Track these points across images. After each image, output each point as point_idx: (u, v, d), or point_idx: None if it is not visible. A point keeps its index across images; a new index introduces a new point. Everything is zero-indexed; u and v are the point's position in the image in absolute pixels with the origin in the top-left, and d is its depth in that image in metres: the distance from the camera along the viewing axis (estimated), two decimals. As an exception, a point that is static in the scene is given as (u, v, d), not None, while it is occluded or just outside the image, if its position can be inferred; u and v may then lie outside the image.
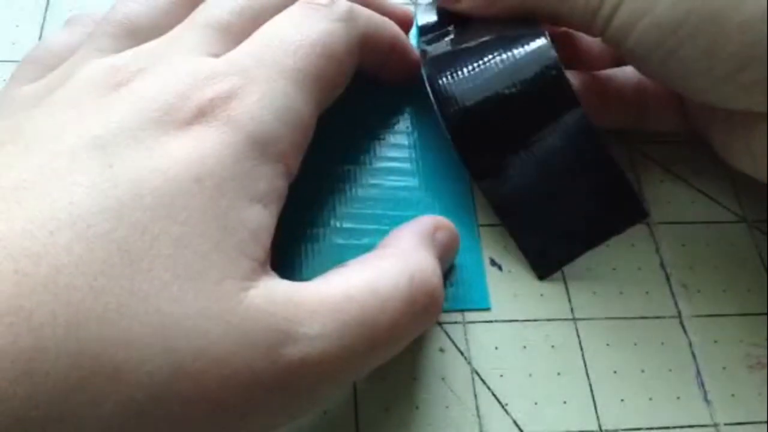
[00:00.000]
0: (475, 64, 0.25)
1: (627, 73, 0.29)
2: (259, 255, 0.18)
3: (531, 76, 0.24)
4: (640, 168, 0.29)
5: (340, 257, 0.25)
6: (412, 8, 0.30)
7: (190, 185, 0.17)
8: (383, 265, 0.20)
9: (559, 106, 0.25)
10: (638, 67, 0.26)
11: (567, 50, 0.28)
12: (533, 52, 0.25)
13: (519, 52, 0.25)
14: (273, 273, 0.19)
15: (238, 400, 0.17)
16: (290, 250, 0.25)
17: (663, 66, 0.23)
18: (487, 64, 0.25)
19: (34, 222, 0.15)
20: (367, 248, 0.26)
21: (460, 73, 0.25)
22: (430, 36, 0.28)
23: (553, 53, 0.24)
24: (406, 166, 0.28)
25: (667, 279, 0.26)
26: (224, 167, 0.18)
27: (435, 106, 0.25)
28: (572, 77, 0.26)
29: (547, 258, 0.26)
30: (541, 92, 0.24)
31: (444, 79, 0.25)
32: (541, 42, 0.25)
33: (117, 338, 0.15)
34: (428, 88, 0.25)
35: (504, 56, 0.25)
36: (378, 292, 0.19)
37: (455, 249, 0.25)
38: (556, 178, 0.25)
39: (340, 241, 0.25)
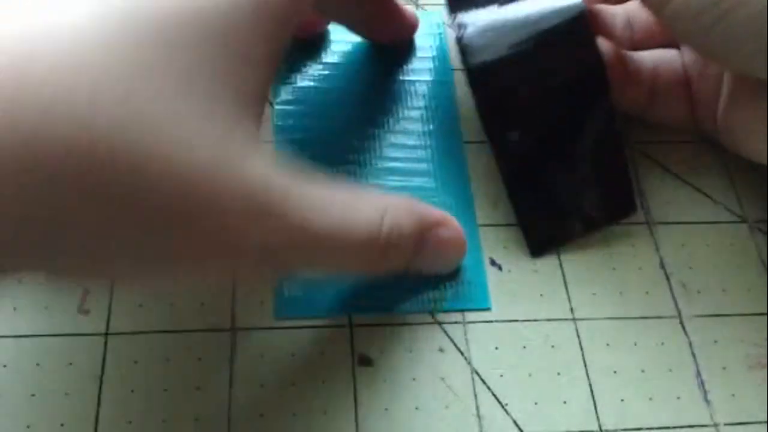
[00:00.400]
0: (502, 15, 0.26)
1: (643, 56, 0.29)
2: (257, 116, 0.19)
3: (556, 27, 0.25)
4: (640, 168, 0.29)
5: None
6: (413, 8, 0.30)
7: (200, 18, 0.17)
8: (369, 196, 0.22)
9: (581, 57, 0.25)
10: (678, 33, 0.25)
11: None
12: (562, 6, 0.25)
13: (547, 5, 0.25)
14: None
15: (220, 243, 0.18)
16: None
17: (707, 32, 0.23)
18: (514, 14, 0.25)
19: (34, 28, 0.15)
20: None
21: (484, 20, 0.26)
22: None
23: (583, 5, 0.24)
24: (407, 166, 0.28)
25: (667, 279, 0.26)
26: (234, 10, 0.18)
27: (459, 52, 0.26)
28: (601, 44, 0.27)
29: (542, 236, 0.26)
30: (565, 41, 0.25)
31: (469, 28, 0.26)
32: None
33: (118, 135, 0.15)
34: (455, 36, 0.26)
35: (531, 10, 0.25)
36: (357, 217, 0.21)
37: (458, 250, 0.25)
38: (567, 155, 0.26)
39: None
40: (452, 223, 0.24)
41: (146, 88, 0.16)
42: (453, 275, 0.25)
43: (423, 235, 0.23)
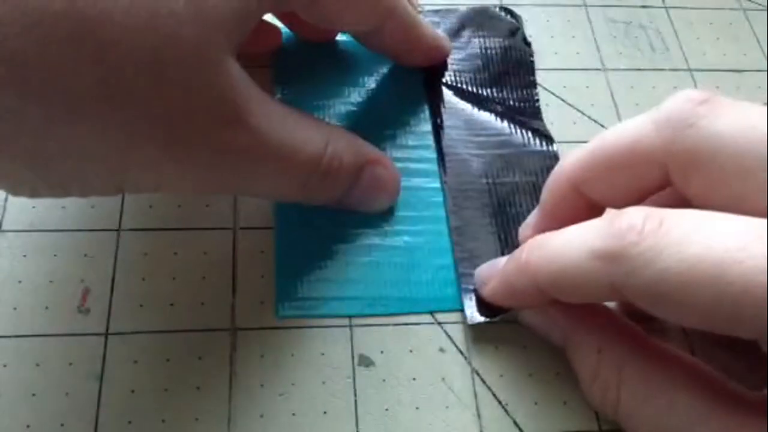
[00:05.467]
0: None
1: None
2: (243, 36, 0.21)
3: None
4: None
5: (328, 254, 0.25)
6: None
7: None
8: (318, 125, 0.23)
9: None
10: None
11: None
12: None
13: None
14: None
15: (188, 140, 0.19)
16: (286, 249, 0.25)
17: None
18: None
19: None
20: (363, 248, 0.26)
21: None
22: None
23: None
24: (407, 166, 0.27)
25: (668, 279, 0.26)
26: None
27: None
28: None
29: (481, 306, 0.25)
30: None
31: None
32: None
33: (110, 14, 0.17)
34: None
35: None
36: (304, 137, 0.22)
37: (391, 191, 0.26)
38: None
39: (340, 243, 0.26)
40: (389, 163, 0.26)
41: None
42: (450, 273, 0.25)
43: (360, 169, 0.24)
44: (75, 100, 0.18)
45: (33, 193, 0.20)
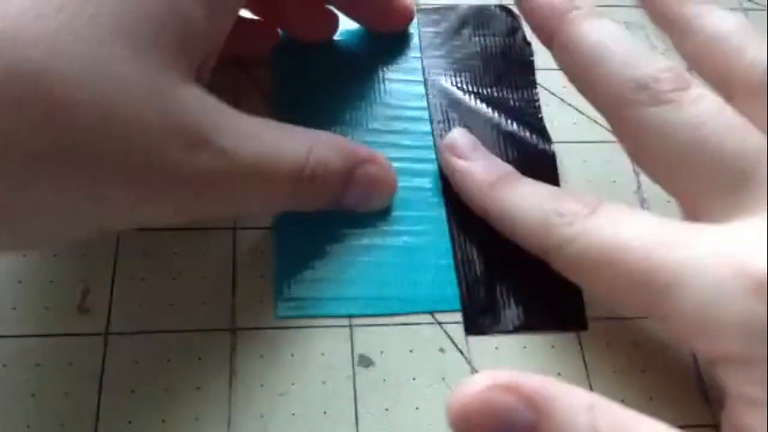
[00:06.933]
0: None
1: None
2: (195, 59, 0.20)
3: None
4: (639, 168, 0.29)
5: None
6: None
7: None
8: (299, 133, 0.23)
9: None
10: None
11: None
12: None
13: None
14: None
15: (156, 176, 0.19)
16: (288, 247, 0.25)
17: None
18: None
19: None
20: (363, 248, 0.26)
21: None
22: None
23: None
24: (407, 166, 0.28)
25: (667, 279, 0.26)
26: None
27: None
28: None
29: (479, 320, 0.25)
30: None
31: None
32: None
33: (53, 70, 0.17)
34: None
35: None
36: (283, 149, 0.22)
37: (388, 187, 0.26)
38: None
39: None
40: (381, 160, 0.25)
41: (87, 36, 0.17)
42: (449, 274, 0.25)
43: (351, 171, 0.24)
44: (32, 164, 0.17)
45: (16, 248, 0.20)
